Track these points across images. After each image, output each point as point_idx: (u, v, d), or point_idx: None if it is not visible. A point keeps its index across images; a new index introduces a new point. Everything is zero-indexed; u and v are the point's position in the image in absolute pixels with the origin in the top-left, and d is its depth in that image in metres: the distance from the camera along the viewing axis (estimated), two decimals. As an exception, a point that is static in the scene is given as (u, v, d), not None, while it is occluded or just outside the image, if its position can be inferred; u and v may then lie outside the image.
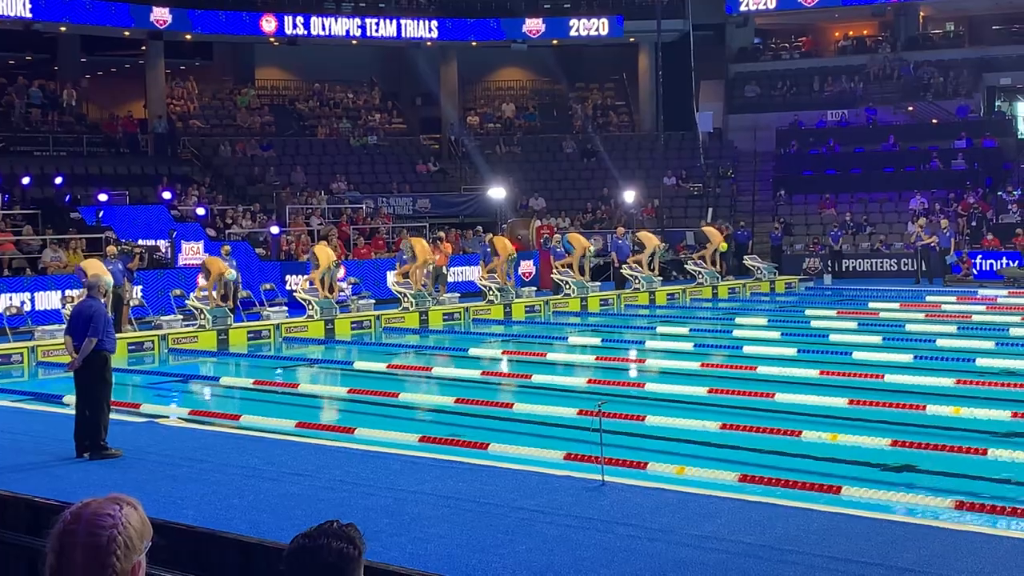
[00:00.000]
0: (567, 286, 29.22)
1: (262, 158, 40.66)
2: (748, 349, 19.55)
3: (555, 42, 45.82)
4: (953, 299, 27.62)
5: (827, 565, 7.68)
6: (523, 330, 24.57)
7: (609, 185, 42.56)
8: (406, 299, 26.11)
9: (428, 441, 12.34)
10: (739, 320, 24.44)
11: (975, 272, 33.19)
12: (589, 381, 16.47)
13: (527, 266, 33.62)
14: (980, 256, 33.73)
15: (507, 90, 50.18)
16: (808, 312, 25.84)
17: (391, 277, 28.54)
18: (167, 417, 14.82)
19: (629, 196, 40.35)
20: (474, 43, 45.18)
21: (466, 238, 35.94)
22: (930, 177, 39.98)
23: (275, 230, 32.41)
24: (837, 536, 8.38)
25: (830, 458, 11.17)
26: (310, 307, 24.48)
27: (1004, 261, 33.04)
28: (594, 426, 10.23)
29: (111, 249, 24.36)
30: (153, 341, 22.17)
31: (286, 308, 25.55)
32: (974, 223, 36.75)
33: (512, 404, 14.60)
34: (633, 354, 20.32)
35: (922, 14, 47.24)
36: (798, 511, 9.14)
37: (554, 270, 30.49)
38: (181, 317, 23.81)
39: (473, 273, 31.14)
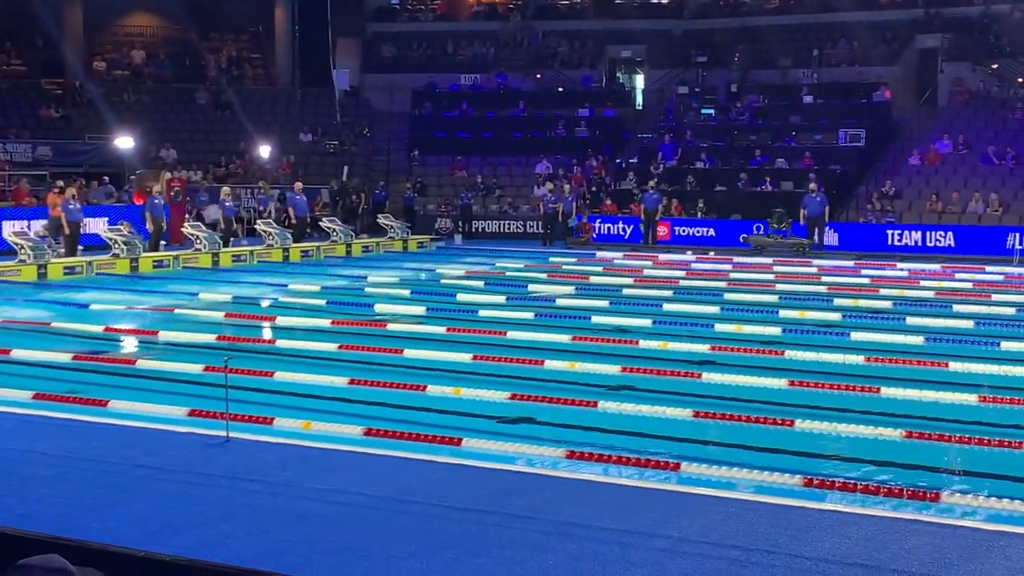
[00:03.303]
0: (198, 240, 28.53)
1: None
2: (379, 307, 19.78)
3: (187, -12, 44.40)
4: (574, 260, 29.03)
5: (444, 514, 7.93)
6: (154, 285, 23.80)
7: (244, 139, 41.79)
8: (23, 251, 24.70)
9: (42, 398, 11.76)
10: (372, 278, 24.70)
11: (594, 235, 34.95)
12: (218, 337, 16.16)
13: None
14: (599, 220, 35.55)
15: (137, 36, 48.10)
16: (438, 271, 26.43)
17: (8, 227, 26.90)
18: None
19: (264, 151, 39.83)
20: (100, -17, 43.06)
21: (91, 188, 34.34)
22: (556, 143, 41.70)
23: None
24: (456, 486, 8.67)
25: (453, 411, 11.50)
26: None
27: (621, 226, 34.97)
28: (220, 382, 10.08)
29: None
30: None
31: None
32: (594, 188, 38.67)
33: (135, 360, 14.12)
34: (265, 310, 20.10)
35: (552, -17, 49.05)
36: (420, 463, 9.37)
37: (185, 224, 29.79)
38: None
39: (98, 225, 29.79)
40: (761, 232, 32.44)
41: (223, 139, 43.18)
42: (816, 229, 31.30)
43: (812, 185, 32.02)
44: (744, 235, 32.39)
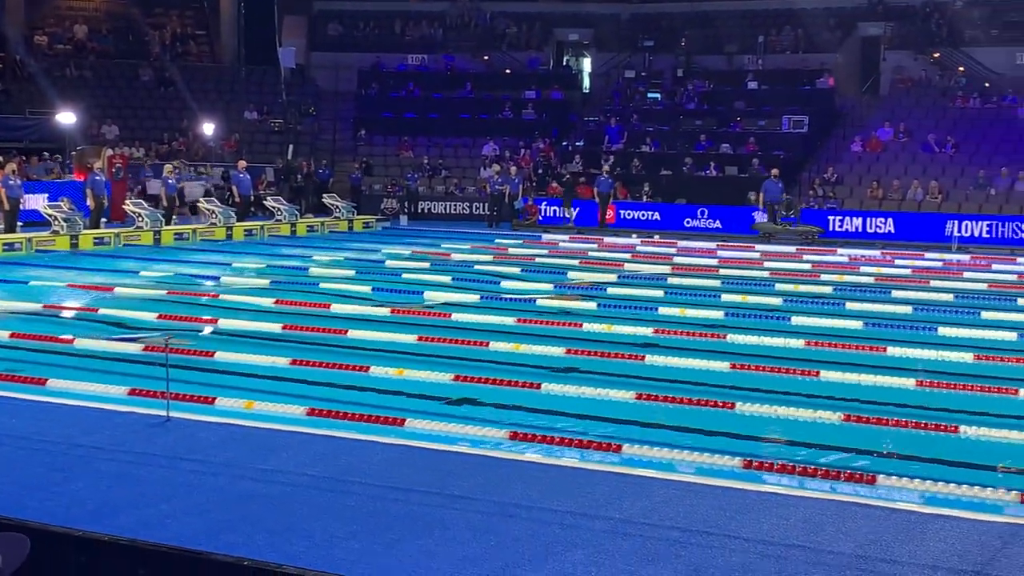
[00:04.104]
0: (140, 218, 28.23)
1: None
2: (324, 286, 19.71)
3: (131, -37, 43.78)
4: (520, 242, 29.06)
5: (386, 495, 7.93)
6: (92, 263, 23.54)
7: (187, 116, 41.36)
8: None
9: (-21, 377, 11.62)
10: (316, 257, 24.60)
11: (540, 217, 34.98)
12: (159, 316, 16.03)
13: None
14: (545, 203, 35.55)
15: (79, 11, 47.37)
16: (384, 251, 26.36)
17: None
18: None
19: (208, 128, 39.44)
20: (42, -43, 42.32)
21: (31, 164, 33.84)
22: (503, 125, 41.63)
23: None
24: (399, 467, 8.67)
25: (397, 392, 11.48)
26: None
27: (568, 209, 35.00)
28: (161, 361, 10.01)
29: None
30: None
31: None
32: (540, 171, 38.68)
33: (73, 339, 13.98)
34: (207, 289, 19.96)
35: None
36: (363, 443, 9.37)
37: (127, 201, 29.50)
38: None
39: (37, 202, 29.38)
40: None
41: (166, 116, 42.72)
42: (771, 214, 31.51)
43: (774, 171, 32.20)
44: (753, 223, 31.94)
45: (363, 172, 38.98)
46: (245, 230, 30.34)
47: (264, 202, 33.12)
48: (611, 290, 19.88)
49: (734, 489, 8.31)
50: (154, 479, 8.21)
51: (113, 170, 32.40)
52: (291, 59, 44.45)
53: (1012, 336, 15.42)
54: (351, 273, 22.07)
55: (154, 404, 10.26)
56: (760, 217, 32.02)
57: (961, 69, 38.80)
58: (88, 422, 9.82)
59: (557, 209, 35.12)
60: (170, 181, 31.25)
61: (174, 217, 30.78)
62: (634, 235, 31.67)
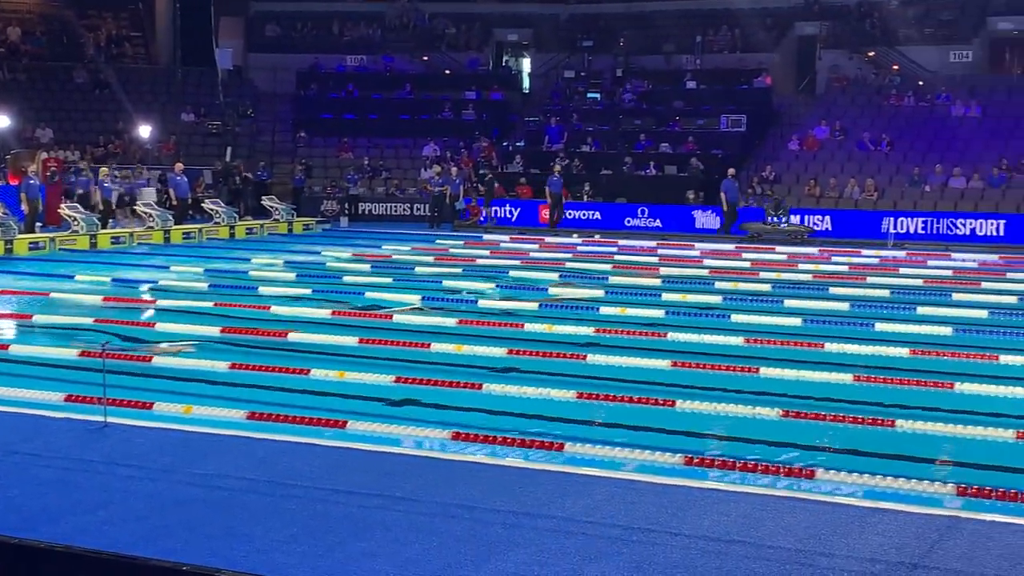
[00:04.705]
0: (75, 222, 27.87)
1: None
2: (264, 290, 19.57)
3: (64, -36, 43.23)
4: (461, 243, 29.02)
5: (328, 497, 7.89)
6: (27, 267, 23.23)
7: (123, 119, 40.91)
8: None
9: (-88, 385, 11.41)
10: (255, 260, 24.43)
11: (481, 218, 34.96)
12: (96, 321, 15.84)
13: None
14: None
15: (12, 12, 46.69)
16: (325, 254, 26.22)
17: None
18: None
19: (145, 131, 39.07)
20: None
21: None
22: (443, 126, 41.57)
23: None
24: (341, 469, 8.63)
25: (338, 394, 11.43)
26: None
27: (508, 208, 35.05)
28: (98, 367, 9.89)
29: None
30: None
31: None
32: (482, 171, 38.67)
33: (8, 346, 13.78)
34: (145, 293, 19.77)
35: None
36: (305, 446, 9.32)
37: (62, 206, 29.12)
38: None
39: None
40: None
41: (101, 119, 42.20)
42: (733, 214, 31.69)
43: (731, 171, 32.38)
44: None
45: (305, 174, 38.73)
46: (183, 233, 30.05)
47: (202, 204, 32.83)
48: (552, 289, 19.90)
49: (676, 486, 8.36)
50: (91, 485, 8.12)
51: (48, 174, 32.00)
52: (228, 60, 44.15)
53: (947, 331, 15.65)
54: (292, 276, 21.94)
55: (91, 410, 10.14)
56: (705, 217, 32.31)
57: (896, 68, 39.32)
58: (24, 429, 9.69)
59: (498, 209, 35.12)
60: (105, 184, 30.94)
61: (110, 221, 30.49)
62: (575, 235, 31.75)
